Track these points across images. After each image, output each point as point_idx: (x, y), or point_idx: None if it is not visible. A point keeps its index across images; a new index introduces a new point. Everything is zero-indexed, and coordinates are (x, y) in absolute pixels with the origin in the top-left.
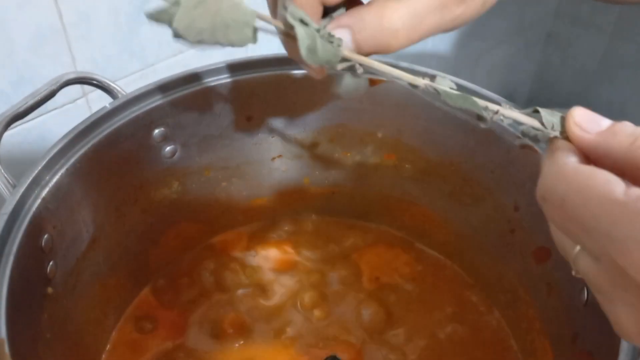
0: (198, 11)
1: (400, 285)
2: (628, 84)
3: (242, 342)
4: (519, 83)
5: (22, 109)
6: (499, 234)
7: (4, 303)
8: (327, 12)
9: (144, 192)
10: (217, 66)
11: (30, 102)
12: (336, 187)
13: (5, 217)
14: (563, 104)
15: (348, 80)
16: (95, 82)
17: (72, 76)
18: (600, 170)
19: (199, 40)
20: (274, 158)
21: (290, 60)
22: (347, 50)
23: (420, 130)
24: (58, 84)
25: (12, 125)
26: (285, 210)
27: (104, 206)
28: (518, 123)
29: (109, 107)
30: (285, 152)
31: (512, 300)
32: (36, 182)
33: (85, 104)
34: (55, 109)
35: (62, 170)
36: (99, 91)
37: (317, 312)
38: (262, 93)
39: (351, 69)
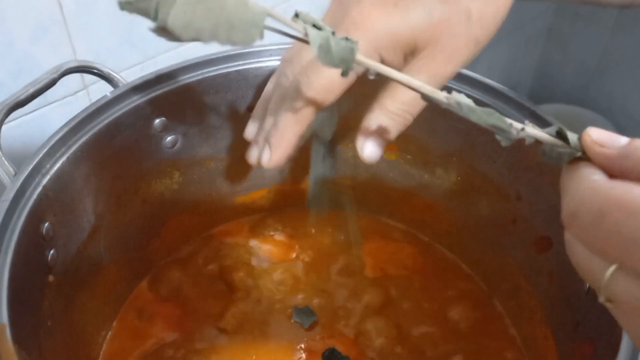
0: (199, 9)
1: (401, 276)
2: (629, 78)
3: (241, 333)
4: (520, 78)
5: (22, 96)
6: (501, 224)
7: (5, 289)
8: None
9: (144, 182)
10: (218, 56)
11: (31, 90)
12: (337, 179)
13: (6, 205)
14: (564, 99)
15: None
16: (95, 70)
17: (72, 65)
18: (634, 184)
19: (193, 39)
20: None
21: None
22: (362, 55)
23: (422, 121)
24: (59, 73)
25: (12, 117)
26: (286, 201)
27: (105, 195)
28: (541, 142)
29: (109, 95)
30: None
31: (514, 289)
32: (37, 170)
33: (86, 96)
34: (55, 100)
35: (63, 159)
36: (100, 83)
37: (318, 304)
38: (262, 83)
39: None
